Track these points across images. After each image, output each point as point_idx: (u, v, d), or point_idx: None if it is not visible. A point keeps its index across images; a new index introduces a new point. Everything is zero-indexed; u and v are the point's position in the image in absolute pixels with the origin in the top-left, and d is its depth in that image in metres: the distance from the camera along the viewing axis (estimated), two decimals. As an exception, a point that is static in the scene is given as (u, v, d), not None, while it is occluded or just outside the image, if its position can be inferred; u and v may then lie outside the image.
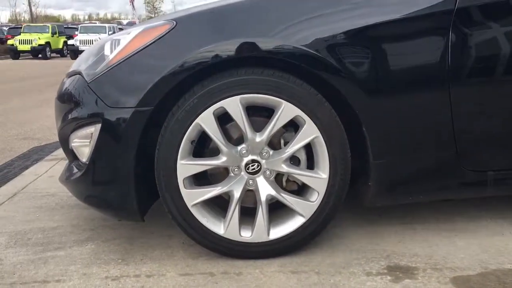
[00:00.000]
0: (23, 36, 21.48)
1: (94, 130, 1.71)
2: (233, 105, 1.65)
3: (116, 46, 1.74)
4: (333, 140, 1.69)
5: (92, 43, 20.66)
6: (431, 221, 2.05)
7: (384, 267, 1.68)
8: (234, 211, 1.72)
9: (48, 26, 23.26)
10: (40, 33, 21.98)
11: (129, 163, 1.69)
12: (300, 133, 1.69)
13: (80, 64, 1.91)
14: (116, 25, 25.28)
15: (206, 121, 1.66)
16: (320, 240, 1.84)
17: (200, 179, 1.79)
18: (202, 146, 1.79)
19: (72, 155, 1.92)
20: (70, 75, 1.89)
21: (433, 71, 1.69)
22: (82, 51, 20.76)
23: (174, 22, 1.70)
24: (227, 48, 1.64)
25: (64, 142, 1.92)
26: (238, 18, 1.72)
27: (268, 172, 1.73)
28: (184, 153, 1.68)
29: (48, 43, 21.70)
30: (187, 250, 1.84)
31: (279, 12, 1.70)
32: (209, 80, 1.66)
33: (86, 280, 1.65)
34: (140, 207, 1.75)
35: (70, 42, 21.80)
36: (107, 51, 1.77)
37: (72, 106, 1.80)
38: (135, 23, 31.20)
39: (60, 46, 23.00)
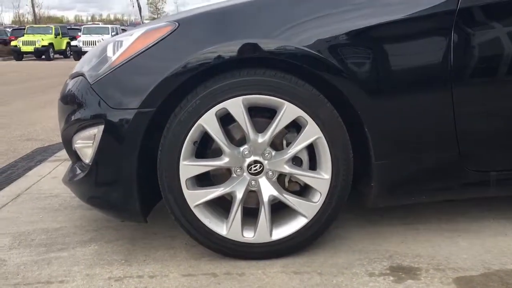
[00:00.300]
0: (26, 38, 21.55)
1: (97, 131, 1.72)
2: (236, 106, 1.66)
3: (119, 48, 1.75)
4: (335, 141, 1.69)
5: (95, 44, 20.73)
6: (433, 221, 2.05)
7: (387, 268, 1.68)
8: (236, 212, 1.72)
9: (51, 28, 23.32)
10: (43, 34, 22.05)
11: (132, 164, 1.69)
12: (302, 134, 1.69)
13: (83, 65, 1.91)
14: (119, 26, 25.38)
15: (209, 122, 1.66)
16: (322, 240, 1.84)
17: (203, 180, 1.79)
18: (205, 147, 1.79)
19: (75, 156, 1.93)
20: (73, 76, 1.90)
21: (435, 71, 1.69)
22: (85, 52, 20.77)
23: (177, 24, 1.70)
24: (229, 49, 1.64)
25: (67, 143, 1.92)
26: (240, 19, 1.73)
27: (270, 173, 1.73)
28: (187, 154, 1.68)
29: (51, 44, 21.76)
30: (190, 250, 1.85)
31: (281, 13, 1.71)
32: (212, 81, 1.66)
33: (89, 281, 1.65)
34: (142, 208, 1.76)
35: (73, 43, 21.87)
36: (109, 52, 1.78)
37: (75, 107, 1.80)
38: (139, 23, 31.27)
39: (63, 47, 23.06)
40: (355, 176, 1.76)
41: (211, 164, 1.73)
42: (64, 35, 23.46)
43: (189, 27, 1.72)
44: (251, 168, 1.71)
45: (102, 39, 21.00)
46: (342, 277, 1.63)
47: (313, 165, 1.77)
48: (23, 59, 21.57)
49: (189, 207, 1.71)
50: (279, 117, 1.67)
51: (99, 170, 1.75)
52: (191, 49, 1.66)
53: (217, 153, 1.74)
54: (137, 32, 1.76)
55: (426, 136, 1.74)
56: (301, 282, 1.61)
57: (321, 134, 1.68)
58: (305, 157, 1.78)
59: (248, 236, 1.74)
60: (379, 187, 1.76)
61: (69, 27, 27.68)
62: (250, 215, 1.78)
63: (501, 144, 1.79)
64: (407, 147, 1.73)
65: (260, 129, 1.71)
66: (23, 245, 1.96)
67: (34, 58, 21.91)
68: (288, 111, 1.67)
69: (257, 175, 1.72)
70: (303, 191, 1.82)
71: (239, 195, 1.72)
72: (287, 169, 1.72)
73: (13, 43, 22.03)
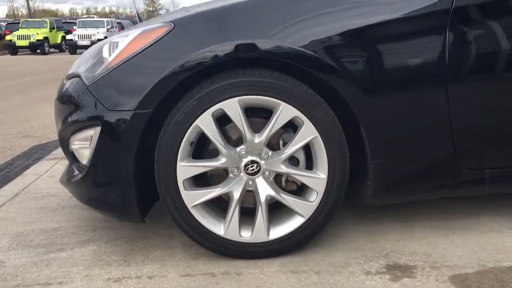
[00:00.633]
0: (21, 32, 21.42)
1: (94, 132, 1.72)
2: (232, 107, 1.66)
3: (115, 49, 1.75)
4: (331, 141, 1.70)
5: (91, 38, 20.68)
6: (429, 218, 2.07)
7: (383, 266, 1.70)
8: (234, 212, 1.73)
9: (46, 21, 23.18)
10: (38, 28, 21.91)
11: (129, 165, 1.70)
12: (298, 134, 1.70)
13: (79, 66, 1.91)
14: (114, 19, 25.20)
15: (205, 123, 1.67)
16: (319, 239, 1.86)
17: (200, 180, 1.80)
18: (202, 147, 1.80)
19: (72, 157, 1.93)
20: (69, 77, 1.90)
21: (431, 70, 1.70)
22: (80, 46, 20.89)
23: (172, 24, 1.70)
24: (225, 49, 1.64)
25: (64, 144, 1.93)
26: (236, 19, 1.73)
27: (267, 173, 1.74)
28: (184, 155, 1.69)
29: (46, 38, 21.64)
30: (188, 250, 1.86)
31: (276, 13, 1.71)
32: (208, 82, 1.67)
33: (88, 282, 1.67)
34: (140, 208, 1.77)
35: (68, 37, 21.73)
36: (105, 54, 1.77)
37: (71, 109, 1.80)
38: (134, 16, 31.08)
39: (59, 41, 22.94)
40: (352, 174, 1.77)
41: (208, 165, 1.74)
42: (59, 29, 23.33)
43: (184, 28, 1.72)
44: (248, 168, 1.72)
45: (98, 32, 20.95)
46: (339, 276, 1.65)
47: (309, 165, 1.78)
48: (18, 54, 21.46)
49: (186, 207, 1.72)
50: (275, 117, 1.68)
51: (97, 171, 1.76)
52: (187, 50, 1.66)
53: (214, 153, 1.74)
54: (133, 33, 1.76)
55: (421, 135, 1.75)
56: (298, 281, 1.63)
57: (317, 134, 1.69)
58: (301, 157, 1.79)
59: (246, 235, 1.75)
60: (375, 186, 1.77)
61: (64, 20, 27.47)
62: (247, 214, 1.79)
63: (496, 142, 1.80)
64: (402, 146, 1.74)
65: (256, 129, 1.71)
66: (21, 246, 1.97)
67: (29, 52, 21.80)
68: (284, 112, 1.67)
69: (254, 175, 1.73)
70: (300, 190, 1.83)
71: (236, 195, 1.73)
72: (283, 169, 1.73)
73: (7, 37, 21.91)
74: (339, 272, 1.67)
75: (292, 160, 1.78)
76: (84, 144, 1.79)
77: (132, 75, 1.69)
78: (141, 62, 1.68)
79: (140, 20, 31.17)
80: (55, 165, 3.13)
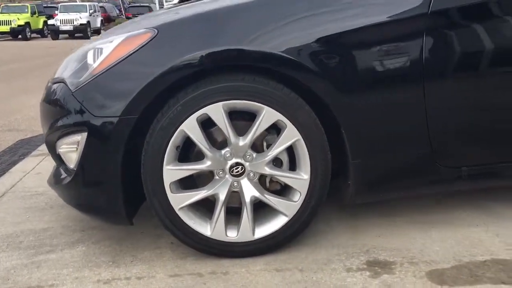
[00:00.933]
0: (1, 17, 20.98)
1: (80, 138, 1.75)
2: (216, 111, 1.70)
3: (99, 55, 1.77)
4: (313, 143, 1.75)
5: (73, 23, 20.29)
6: (410, 213, 2.13)
7: (364, 262, 1.77)
8: (220, 213, 1.78)
9: (27, 6, 22.71)
10: (19, 13, 21.49)
11: (116, 169, 1.73)
12: (281, 137, 1.75)
13: (64, 70, 1.93)
14: (96, 3, 24.73)
15: (191, 127, 1.71)
16: (303, 235, 1.91)
17: (187, 182, 1.84)
18: (187, 150, 1.83)
19: (59, 160, 1.96)
20: (55, 81, 1.91)
21: (408, 72, 1.76)
22: (63, 31, 20.56)
23: (156, 30, 1.73)
24: (208, 55, 1.67)
25: (51, 147, 1.95)
26: (217, 25, 1.75)
27: (252, 174, 1.79)
28: (170, 159, 1.73)
29: (27, 24, 21.25)
30: (176, 250, 1.91)
31: (257, 18, 1.75)
32: (192, 87, 1.70)
33: (79, 284, 1.71)
34: (128, 211, 1.81)
35: (50, 22, 21.34)
36: (90, 59, 1.79)
37: (58, 114, 1.83)
38: (116, 0, 30.56)
39: (40, 26, 22.54)
40: (334, 173, 1.83)
41: (194, 168, 1.78)
42: (40, 13, 22.90)
43: (168, 33, 1.74)
44: (233, 170, 1.77)
45: (80, 17, 20.63)
46: (322, 273, 1.72)
47: (293, 166, 1.83)
48: (-1, 40, 21.09)
49: (173, 209, 1.76)
50: (258, 121, 1.72)
51: (84, 175, 1.79)
52: (170, 56, 1.69)
53: (200, 156, 1.79)
54: (117, 39, 1.77)
55: (400, 135, 1.81)
56: (283, 279, 1.69)
57: (299, 137, 1.74)
58: (285, 158, 1.84)
59: (232, 235, 1.80)
60: (355, 185, 1.83)
61: (46, 5, 26.88)
62: (233, 213, 1.84)
63: (471, 140, 1.87)
64: (382, 147, 1.80)
65: (240, 131, 1.76)
66: (11, 247, 2.00)
67: (11, 38, 21.39)
68: (268, 115, 1.72)
69: (239, 176, 1.78)
70: (284, 190, 1.88)
71: (222, 197, 1.78)
72: (267, 170, 1.78)
73: (-12, 23, 21.46)
74: (321, 270, 1.74)
75: (276, 161, 1.83)
76: (71, 148, 1.82)
77: (117, 82, 1.72)
78: (126, 68, 1.71)
79: (123, 4, 30.69)
80: (42, 162, 3.14)
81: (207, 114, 1.71)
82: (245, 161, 1.77)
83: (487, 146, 1.89)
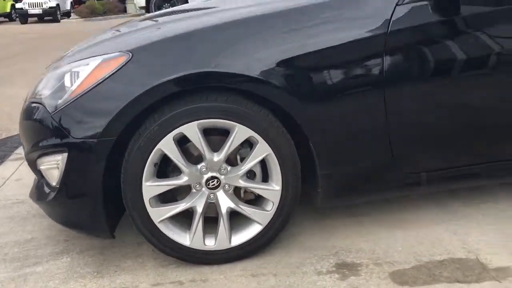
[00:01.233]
0: (-34, 1, 20.32)
1: (61, 158, 1.82)
2: (191, 130, 1.80)
3: (76, 78, 1.83)
4: (284, 156, 1.87)
5: (42, 6, 19.72)
6: (376, 212, 2.27)
7: (333, 265, 1.91)
8: (198, 224, 1.89)
9: (-7, -11, 21.99)
10: (-15, -4, 20.83)
11: (98, 186, 1.82)
12: (254, 152, 1.86)
13: (42, 89, 1.98)
14: (66, -15, 24.03)
15: (167, 146, 1.80)
16: (277, 239, 2.02)
17: (165, 194, 1.94)
18: (165, 165, 1.93)
19: (40, 175, 2.03)
20: (33, 101, 1.97)
21: (369, 87, 1.88)
22: (32, 14, 20.02)
23: (130, 54, 1.80)
24: (179, 79, 1.76)
25: (32, 164, 2.02)
26: (189, 47, 1.84)
27: (227, 186, 1.90)
28: (148, 176, 1.82)
29: (-6, 8, 20.64)
30: (157, 258, 2.01)
31: (225, 38, 1.84)
32: (168, 108, 1.79)
33: (66, 296, 1.81)
34: (109, 224, 1.91)
35: (18, 5, 20.74)
36: (67, 82, 1.86)
37: (37, 135, 1.89)
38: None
39: (8, 10, 21.88)
40: (306, 180, 1.95)
41: (172, 183, 1.88)
42: (7, -4, 22.21)
43: (141, 57, 1.82)
44: (209, 183, 1.88)
45: (49, 0, 20.06)
46: (294, 277, 1.85)
47: (265, 176, 1.95)
48: (-35, 24, 20.43)
49: (153, 223, 1.87)
50: (231, 138, 1.83)
51: (67, 192, 1.87)
52: (146, 79, 1.77)
53: (177, 171, 1.89)
54: (93, 62, 1.84)
55: (363, 146, 1.94)
56: (258, 284, 1.82)
57: (271, 151, 1.85)
58: (258, 170, 1.95)
59: (210, 244, 1.92)
60: (324, 192, 1.96)
61: (12, -13, 26.06)
62: (210, 221, 1.96)
63: (428, 147, 2.00)
64: (347, 158, 1.93)
65: (215, 146, 1.86)
66: (-3, 260, 2.08)
67: (-23, 22, 20.78)
68: (240, 133, 1.82)
69: (215, 189, 1.89)
70: (258, 199, 2.00)
71: (199, 209, 1.89)
72: (242, 183, 1.90)
73: (-48, 7, 20.74)
74: (294, 274, 1.87)
75: (250, 173, 1.94)
76: (52, 165, 1.89)
77: (94, 105, 1.79)
78: (102, 92, 1.78)
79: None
80: (20, 167, 3.18)
81: (182, 132, 1.80)
82: (220, 174, 1.88)
83: (442, 152, 2.03)
